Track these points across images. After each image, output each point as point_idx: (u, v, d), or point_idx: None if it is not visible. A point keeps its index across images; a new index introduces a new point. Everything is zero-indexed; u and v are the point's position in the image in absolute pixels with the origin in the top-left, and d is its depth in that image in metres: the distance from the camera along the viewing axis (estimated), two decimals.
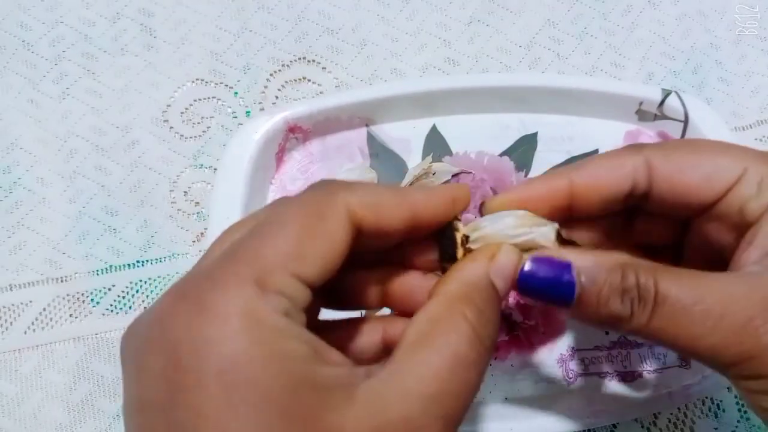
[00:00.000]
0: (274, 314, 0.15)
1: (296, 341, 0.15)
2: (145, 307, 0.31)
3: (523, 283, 0.19)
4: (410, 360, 0.15)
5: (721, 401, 0.30)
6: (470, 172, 0.32)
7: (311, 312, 0.18)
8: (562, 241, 0.20)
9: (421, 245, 0.20)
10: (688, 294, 0.17)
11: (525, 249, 0.19)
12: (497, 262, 0.18)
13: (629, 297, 0.18)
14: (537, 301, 0.19)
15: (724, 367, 0.17)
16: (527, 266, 0.19)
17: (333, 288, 0.19)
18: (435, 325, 0.16)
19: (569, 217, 0.21)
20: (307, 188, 0.18)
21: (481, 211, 0.21)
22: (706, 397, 0.30)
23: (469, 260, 0.18)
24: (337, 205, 0.16)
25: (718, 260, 0.20)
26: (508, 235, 0.19)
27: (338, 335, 0.20)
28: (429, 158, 0.30)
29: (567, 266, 0.18)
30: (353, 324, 0.20)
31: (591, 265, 0.18)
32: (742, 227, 0.19)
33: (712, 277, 0.18)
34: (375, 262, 0.20)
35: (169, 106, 0.34)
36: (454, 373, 0.15)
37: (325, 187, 0.17)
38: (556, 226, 0.20)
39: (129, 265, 0.31)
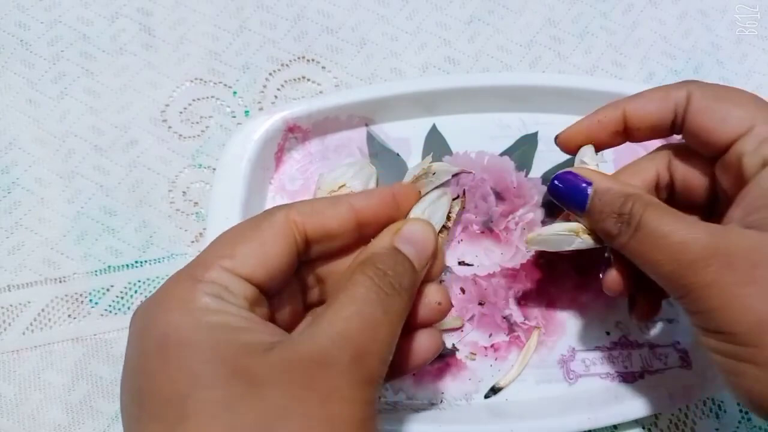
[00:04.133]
0: (204, 296, 0.18)
1: (223, 314, 0.18)
2: None
3: (552, 186, 0.24)
4: (320, 316, 0.19)
5: (722, 402, 0.30)
6: (470, 172, 0.32)
7: (281, 302, 0.21)
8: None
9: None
10: (662, 228, 0.21)
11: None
12: (401, 232, 0.21)
13: (621, 220, 0.22)
14: (561, 205, 0.25)
15: (676, 297, 0.21)
16: (557, 178, 0.24)
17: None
18: (340, 284, 0.20)
19: (624, 141, 0.25)
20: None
21: (556, 141, 0.26)
22: (707, 398, 0.30)
23: (378, 237, 0.22)
24: (273, 217, 0.20)
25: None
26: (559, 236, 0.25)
27: None
28: (429, 158, 0.30)
29: (587, 183, 0.24)
30: None
31: (605, 188, 0.23)
32: (742, 183, 0.22)
33: (691, 222, 0.21)
34: None
35: (167, 105, 0.34)
36: (357, 313, 0.18)
37: (269, 209, 0.21)
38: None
39: (128, 265, 0.31)
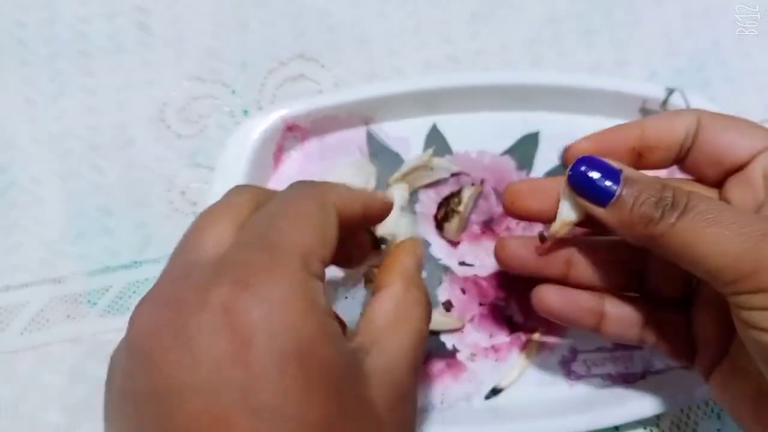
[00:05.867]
0: (321, 296, 0.17)
1: (334, 321, 0.17)
2: None
3: (574, 176, 0.22)
4: (391, 338, 0.19)
5: None
6: (468, 175, 0.31)
7: None
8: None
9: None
10: (714, 208, 0.19)
11: None
12: (420, 253, 0.23)
13: (662, 204, 0.20)
14: (580, 196, 0.22)
15: (735, 277, 0.18)
16: (582, 162, 0.21)
17: None
18: (400, 308, 0.20)
19: (638, 166, 0.23)
20: (296, 186, 0.20)
21: (564, 157, 0.24)
22: (709, 399, 0.30)
23: (403, 254, 0.22)
24: (329, 199, 0.19)
25: None
26: None
27: None
28: (430, 151, 0.30)
29: (617, 171, 0.21)
30: None
31: (637, 175, 0.21)
32: (764, 196, 0.21)
33: (736, 207, 0.21)
34: None
35: (165, 104, 0.34)
36: (418, 343, 0.20)
37: (316, 186, 0.20)
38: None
39: (125, 265, 0.31)
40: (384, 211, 0.23)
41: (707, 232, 0.19)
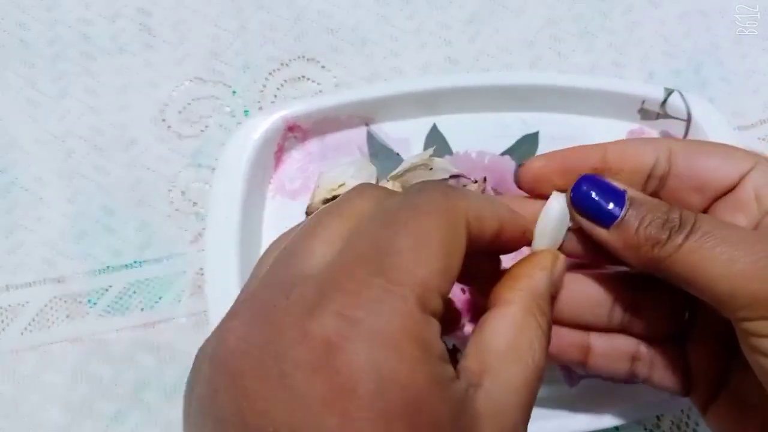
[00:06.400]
0: (437, 339, 0.15)
1: (448, 365, 0.15)
2: (142, 309, 0.31)
3: (577, 195, 0.20)
4: (506, 371, 0.16)
5: None
6: (469, 178, 0.32)
7: None
8: None
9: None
10: (723, 228, 0.18)
11: None
12: (559, 268, 0.19)
13: (669, 225, 0.19)
14: (582, 216, 0.20)
15: (745, 303, 0.17)
16: (586, 180, 0.20)
17: None
18: (519, 334, 0.17)
19: None
20: (424, 191, 0.17)
21: (517, 175, 0.22)
22: None
23: (532, 266, 0.19)
24: (459, 213, 0.16)
25: None
26: None
27: None
28: (430, 150, 0.30)
29: (621, 192, 0.20)
30: None
31: (642, 196, 0.20)
32: (761, 219, 0.20)
33: (743, 227, 0.19)
34: None
35: (167, 105, 0.34)
36: (535, 380, 0.17)
37: (448, 194, 0.17)
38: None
39: (127, 265, 0.31)
40: (520, 240, 0.19)
41: (716, 252, 0.18)
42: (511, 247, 0.19)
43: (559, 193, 0.21)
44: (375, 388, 0.13)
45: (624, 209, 0.19)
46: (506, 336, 0.17)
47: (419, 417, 0.14)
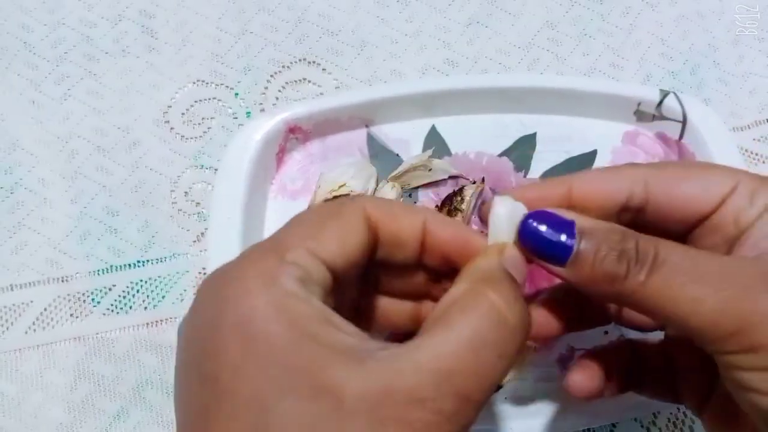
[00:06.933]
0: (289, 279, 0.16)
1: (307, 305, 0.16)
2: (145, 308, 0.31)
3: (524, 233, 0.19)
4: (429, 337, 0.16)
5: None
6: (468, 178, 0.32)
7: (342, 300, 0.19)
8: None
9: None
10: (687, 260, 0.17)
11: None
12: (508, 255, 0.19)
13: (626, 258, 0.17)
14: (533, 256, 0.19)
15: (718, 337, 0.17)
16: (531, 218, 0.19)
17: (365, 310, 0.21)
18: (456, 304, 0.17)
19: None
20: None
21: (481, 211, 0.21)
22: None
23: (481, 256, 0.19)
24: (353, 205, 0.19)
25: None
26: None
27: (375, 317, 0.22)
28: (429, 152, 0.30)
29: (569, 223, 0.18)
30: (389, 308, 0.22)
31: (592, 225, 0.18)
32: (737, 239, 0.19)
33: (710, 253, 0.18)
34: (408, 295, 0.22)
35: (170, 107, 0.35)
36: (472, 352, 0.15)
37: (346, 197, 0.20)
38: None
39: (129, 265, 0.32)
40: (463, 248, 0.19)
41: (684, 289, 0.17)
42: (458, 257, 0.19)
43: (501, 197, 0.20)
44: (216, 312, 0.16)
45: (575, 243, 0.18)
46: (441, 307, 0.17)
47: (247, 327, 0.16)
